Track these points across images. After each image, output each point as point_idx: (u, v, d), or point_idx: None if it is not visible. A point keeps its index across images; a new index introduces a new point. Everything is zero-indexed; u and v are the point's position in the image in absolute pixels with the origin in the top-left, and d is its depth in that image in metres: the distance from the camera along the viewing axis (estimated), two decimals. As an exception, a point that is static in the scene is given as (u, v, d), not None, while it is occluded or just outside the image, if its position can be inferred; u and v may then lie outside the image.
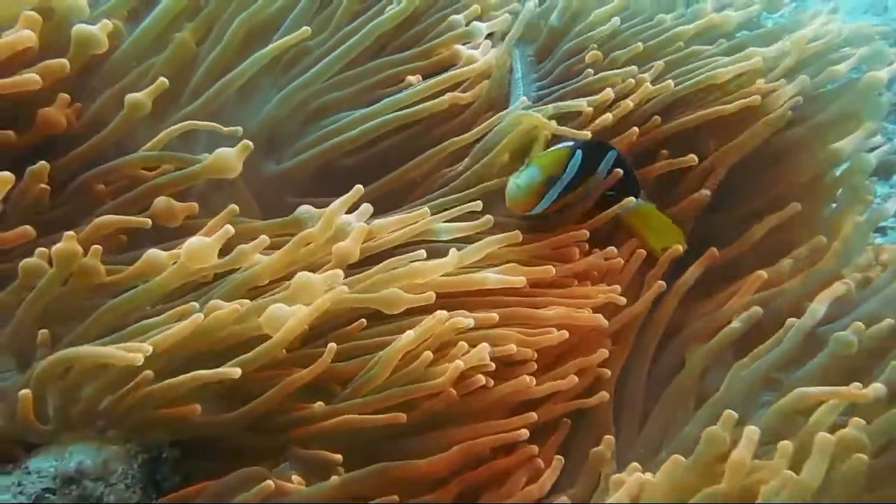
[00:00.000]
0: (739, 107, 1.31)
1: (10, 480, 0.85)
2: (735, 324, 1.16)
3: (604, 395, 1.11)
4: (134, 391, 0.89)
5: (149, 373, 0.88)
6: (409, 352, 0.98)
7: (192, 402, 0.92)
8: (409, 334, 0.96)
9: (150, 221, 1.00)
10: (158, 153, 1.08)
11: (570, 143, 1.21)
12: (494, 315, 1.04)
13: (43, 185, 1.00)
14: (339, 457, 0.95)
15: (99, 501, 0.86)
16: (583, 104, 1.25)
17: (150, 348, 0.86)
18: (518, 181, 1.16)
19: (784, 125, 1.34)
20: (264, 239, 0.95)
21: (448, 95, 1.25)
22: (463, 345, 1.00)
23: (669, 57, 1.36)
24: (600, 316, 1.13)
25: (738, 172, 1.35)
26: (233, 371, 0.89)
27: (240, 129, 1.10)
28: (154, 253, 0.94)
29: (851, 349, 1.05)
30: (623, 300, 1.16)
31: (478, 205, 1.13)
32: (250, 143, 1.02)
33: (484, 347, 1.00)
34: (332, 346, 0.94)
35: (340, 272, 0.96)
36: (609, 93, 1.27)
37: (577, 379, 1.08)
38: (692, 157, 1.30)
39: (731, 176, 1.34)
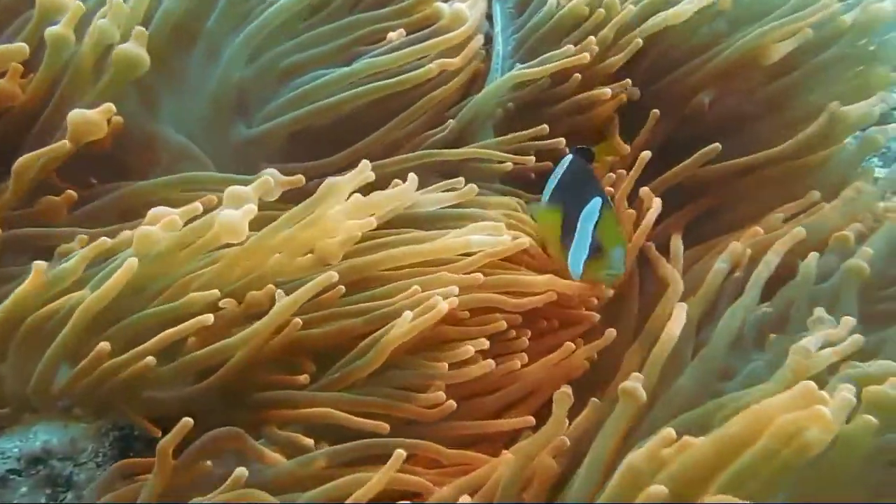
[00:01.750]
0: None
1: (-28, 463, 0.82)
2: (720, 264, 1.11)
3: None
4: (92, 365, 0.85)
5: (105, 345, 0.84)
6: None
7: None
8: (407, 316, 0.93)
9: (67, 143, 0.95)
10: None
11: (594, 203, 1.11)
12: (479, 276, 1.02)
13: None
14: (311, 442, 0.92)
15: (68, 481, 0.84)
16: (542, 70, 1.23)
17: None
18: (615, 271, 1.08)
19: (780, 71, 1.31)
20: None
21: (436, 63, 1.20)
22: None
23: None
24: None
25: (732, 122, 1.31)
26: (205, 318, 0.85)
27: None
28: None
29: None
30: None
31: (460, 181, 1.12)
32: (144, 30, 0.97)
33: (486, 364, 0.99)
34: (297, 321, 0.92)
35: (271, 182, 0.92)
36: (585, 56, 1.25)
37: (587, 364, 1.08)
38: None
39: (724, 126, 1.31)
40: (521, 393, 1.06)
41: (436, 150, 1.22)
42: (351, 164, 1.17)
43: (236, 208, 0.86)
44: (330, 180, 0.93)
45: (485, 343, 0.99)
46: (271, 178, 0.92)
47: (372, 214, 0.98)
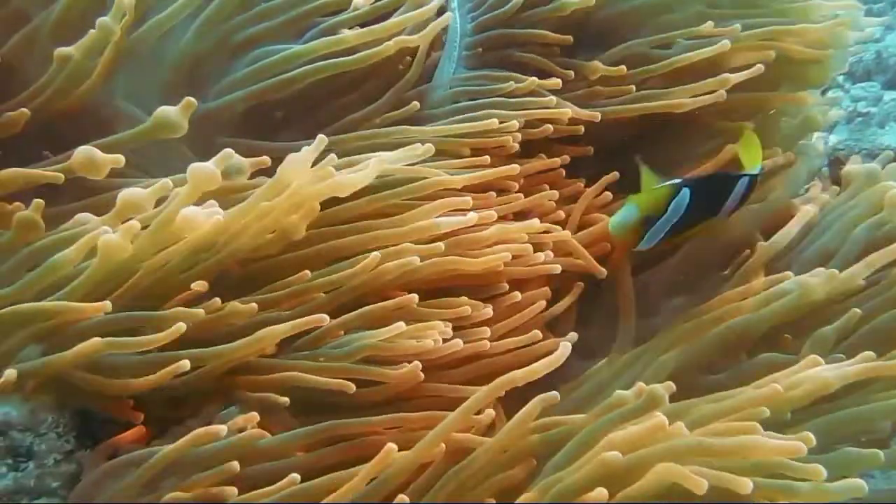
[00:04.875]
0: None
1: (-72, 437, 0.83)
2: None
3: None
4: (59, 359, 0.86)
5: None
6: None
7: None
8: (399, 326, 0.98)
9: (62, 176, 0.96)
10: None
11: (677, 181, 1.18)
12: (441, 245, 1.06)
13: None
14: (286, 399, 0.95)
15: (29, 451, 0.85)
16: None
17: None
18: (613, 218, 1.15)
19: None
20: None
21: (395, 41, 1.22)
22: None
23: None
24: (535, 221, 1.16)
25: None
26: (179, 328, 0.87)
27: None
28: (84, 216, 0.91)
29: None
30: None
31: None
32: (194, 101, 0.98)
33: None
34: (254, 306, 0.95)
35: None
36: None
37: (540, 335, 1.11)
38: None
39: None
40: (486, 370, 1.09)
41: (396, 128, 1.24)
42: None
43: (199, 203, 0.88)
44: (291, 157, 0.95)
45: (448, 332, 1.02)
46: (233, 152, 0.93)
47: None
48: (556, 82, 1.30)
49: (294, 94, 1.20)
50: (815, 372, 0.93)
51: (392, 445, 0.87)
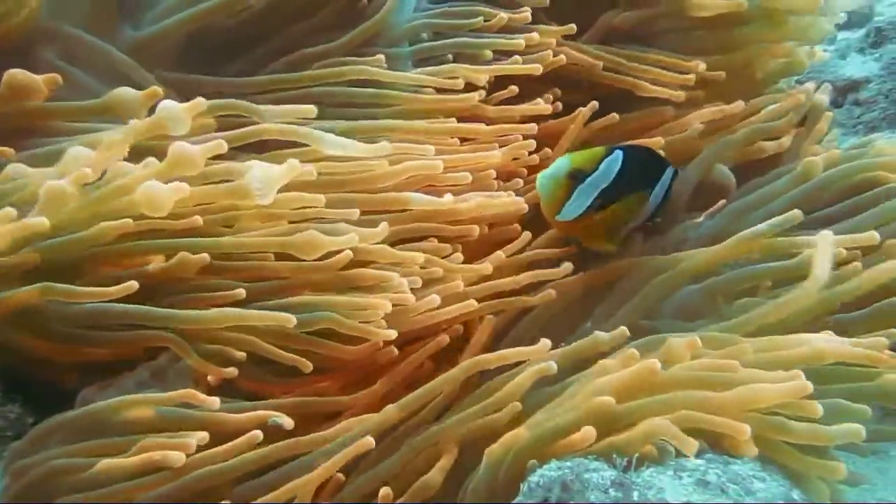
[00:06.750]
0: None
1: None
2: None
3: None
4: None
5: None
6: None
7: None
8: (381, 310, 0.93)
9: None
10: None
11: (614, 146, 1.14)
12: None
13: None
14: (242, 354, 0.88)
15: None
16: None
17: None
18: (543, 173, 1.09)
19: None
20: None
21: None
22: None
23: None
24: (519, 200, 1.11)
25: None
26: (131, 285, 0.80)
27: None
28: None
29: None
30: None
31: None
32: (159, 90, 0.90)
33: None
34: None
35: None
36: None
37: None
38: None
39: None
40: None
41: (353, 68, 1.15)
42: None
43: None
44: (258, 169, 0.84)
45: (417, 282, 0.98)
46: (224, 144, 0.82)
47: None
48: (525, 16, 1.23)
49: (242, 19, 1.11)
50: (815, 340, 0.89)
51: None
